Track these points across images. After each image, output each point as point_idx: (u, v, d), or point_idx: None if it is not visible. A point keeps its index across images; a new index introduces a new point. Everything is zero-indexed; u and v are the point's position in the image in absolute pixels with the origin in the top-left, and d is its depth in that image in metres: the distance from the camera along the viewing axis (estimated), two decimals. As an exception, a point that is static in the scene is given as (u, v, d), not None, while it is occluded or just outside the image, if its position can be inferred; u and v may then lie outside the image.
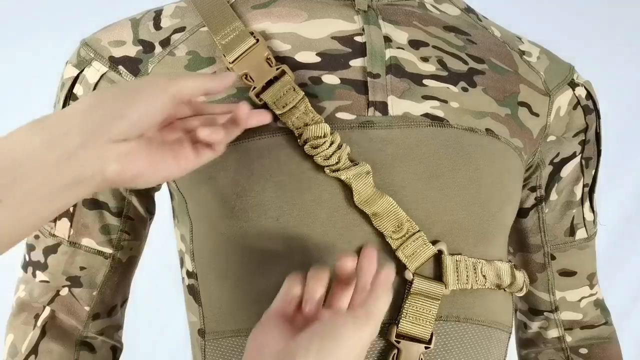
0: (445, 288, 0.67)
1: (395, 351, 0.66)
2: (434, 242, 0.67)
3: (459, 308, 0.69)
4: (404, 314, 0.66)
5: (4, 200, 0.50)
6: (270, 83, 0.67)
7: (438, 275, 0.67)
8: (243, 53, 0.68)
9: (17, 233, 0.53)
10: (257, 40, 0.69)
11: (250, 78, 0.68)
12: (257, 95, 0.67)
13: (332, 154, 0.65)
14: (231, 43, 0.69)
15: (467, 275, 0.68)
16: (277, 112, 0.66)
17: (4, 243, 0.52)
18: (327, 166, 0.65)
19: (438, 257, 0.67)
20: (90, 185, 0.54)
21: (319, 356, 0.53)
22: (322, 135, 0.65)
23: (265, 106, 0.67)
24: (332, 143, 0.65)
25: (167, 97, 0.56)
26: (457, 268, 0.67)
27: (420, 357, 0.66)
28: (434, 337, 0.66)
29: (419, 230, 0.66)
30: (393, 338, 0.65)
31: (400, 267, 0.66)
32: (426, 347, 0.66)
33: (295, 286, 0.60)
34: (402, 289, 0.66)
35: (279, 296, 0.61)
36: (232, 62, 0.68)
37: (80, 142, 0.52)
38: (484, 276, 0.69)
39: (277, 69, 0.68)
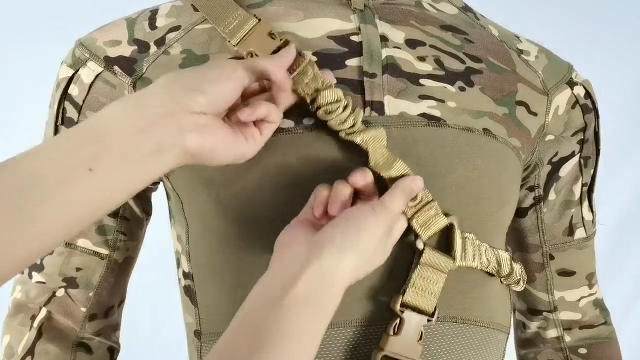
0: (454, 263, 0.67)
1: (398, 321, 0.65)
2: (445, 215, 0.67)
3: (457, 309, 0.68)
4: (412, 283, 0.65)
5: (94, 169, 0.51)
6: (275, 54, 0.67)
7: (445, 250, 0.67)
8: (247, 34, 0.68)
9: (107, 203, 0.54)
10: (260, 20, 0.69)
11: (256, 55, 0.67)
12: None
13: (347, 118, 0.65)
14: (234, 29, 0.69)
15: (473, 255, 0.68)
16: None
17: (95, 213, 0.53)
18: (342, 130, 0.65)
19: (447, 232, 0.67)
20: (172, 156, 0.56)
21: (343, 242, 0.58)
22: (336, 100, 0.65)
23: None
24: (346, 107, 0.65)
25: (242, 74, 0.60)
26: (465, 245, 0.68)
27: (421, 331, 0.66)
28: (437, 311, 0.66)
29: (432, 200, 0.66)
30: (398, 307, 0.65)
31: (411, 237, 0.66)
32: (429, 321, 0.66)
33: (324, 190, 0.63)
34: (411, 259, 0.67)
35: (307, 204, 0.64)
36: (237, 45, 0.68)
37: (162, 112, 0.55)
38: (487, 260, 0.70)
39: (281, 40, 0.68)
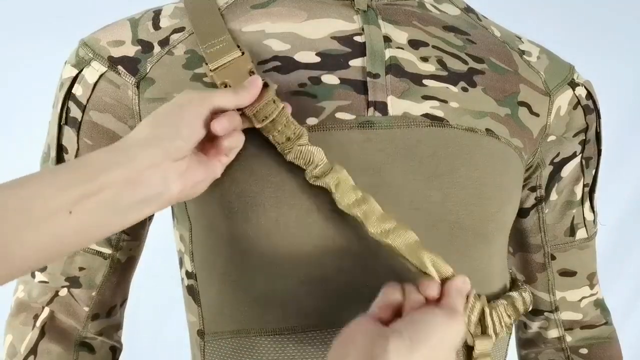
0: (495, 338, 0.68)
1: None
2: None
3: None
4: None
5: (74, 212, 0.55)
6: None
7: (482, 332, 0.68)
8: (225, 64, 0.68)
9: (82, 243, 0.57)
10: (243, 53, 0.68)
11: (229, 86, 0.67)
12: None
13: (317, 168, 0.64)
14: (215, 53, 0.68)
15: (499, 320, 0.69)
16: (257, 125, 0.65)
17: (68, 249, 0.56)
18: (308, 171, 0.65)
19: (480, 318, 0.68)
20: (156, 204, 0.60)
21: (412, 341, 0.53)
22: (309, 161, 0.64)
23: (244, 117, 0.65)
24: (318, 165, 0.64)
25: (207, 111, 0.62)
26: (492, 319, 0.68)
27: None
28: None
29: (479, 296, 0.66)
30: None
31: None
32: None
33: (395, 293, 0.59)
34: (463, 355, 0.67)
35: (375, 302, 0.60)
36: (213, 71, 0.67)
37: (148, 163, 0.58)
38: (508, 315, 0.70)
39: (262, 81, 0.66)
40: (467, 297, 0.64)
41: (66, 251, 0.56)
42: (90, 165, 0.57)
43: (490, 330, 0.67)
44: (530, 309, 0.76)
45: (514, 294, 0.73)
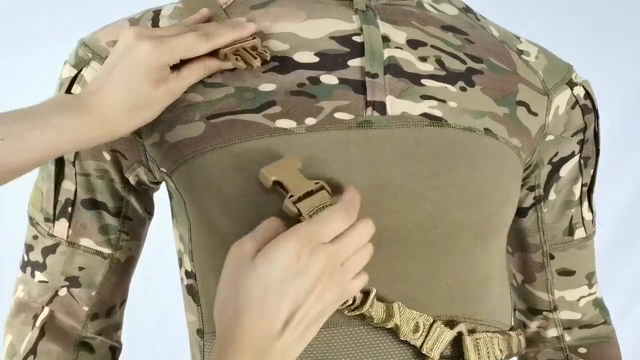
0: None
1: None
2: (451, 323, 0.67)
3: (459, 309, 0.69)
4: None
5: (5, 139, 0.61)
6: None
7: (460, 354, 0.68)
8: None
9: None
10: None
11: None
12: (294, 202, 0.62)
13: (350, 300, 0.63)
14: None
15: (487, 352, 0.69)
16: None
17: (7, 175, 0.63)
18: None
19: (458, 338, 0.68)
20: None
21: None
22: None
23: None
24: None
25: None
26: (477, 346, 0.68)
27: None
28: None
29: (434, 321, 0.66)
30: None
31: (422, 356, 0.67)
32: None
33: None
34: None
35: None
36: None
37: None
38: (500, 350, 0.70)
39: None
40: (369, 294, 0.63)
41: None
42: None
43: (471, 357, 0.68)
44: (523, 352, 0.77)
45: (512, 333, 0.73)
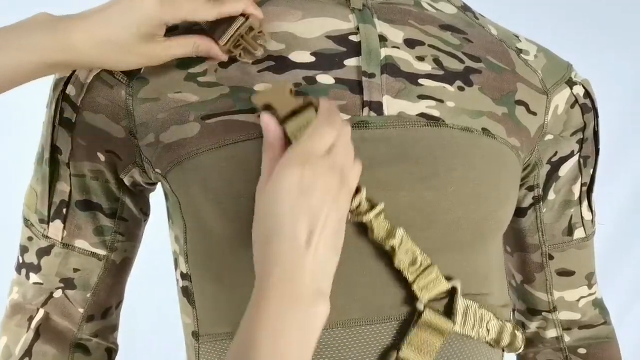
0: (452, 326, 0.67)
1: None
2: (448, 278, 0.67)
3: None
4: (408, 341, 0.65)
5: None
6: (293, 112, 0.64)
7: (447, 314, 0.67)
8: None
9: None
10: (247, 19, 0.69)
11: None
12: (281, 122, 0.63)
13: (356, 203, 0.64)
14: None
15: (473, 323, 0.68)
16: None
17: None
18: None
19: (450, 299, 0.67)
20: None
21: None
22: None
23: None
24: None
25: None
26: (466, 312, 0.68)
27: None
28: None
29: (431, 264, 0.66)
30: None
31: (412, 299, 0.66)
32: None
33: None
34: (411, 319, 0.66)
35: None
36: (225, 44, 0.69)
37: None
38: (487, 330, 0.70)
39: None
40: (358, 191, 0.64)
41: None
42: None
43: (458, 319, 0.67)
44: (520, 350, 0.76)
45: (509, 323, 0.73)
